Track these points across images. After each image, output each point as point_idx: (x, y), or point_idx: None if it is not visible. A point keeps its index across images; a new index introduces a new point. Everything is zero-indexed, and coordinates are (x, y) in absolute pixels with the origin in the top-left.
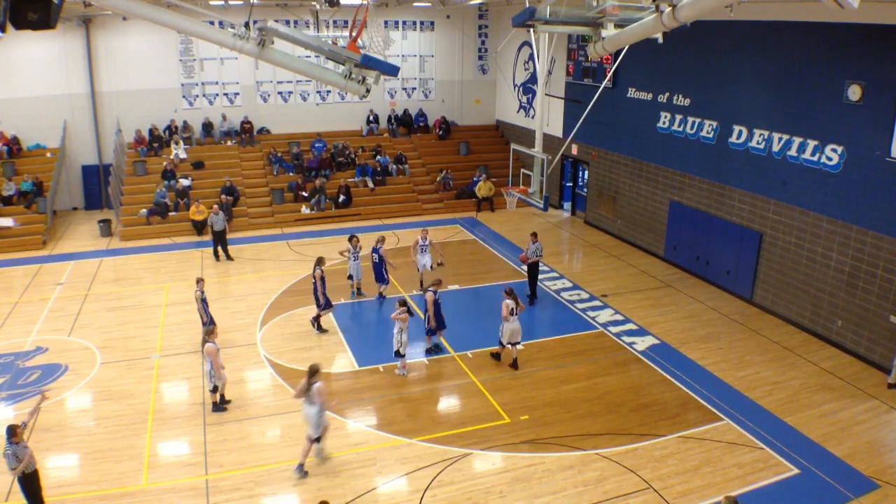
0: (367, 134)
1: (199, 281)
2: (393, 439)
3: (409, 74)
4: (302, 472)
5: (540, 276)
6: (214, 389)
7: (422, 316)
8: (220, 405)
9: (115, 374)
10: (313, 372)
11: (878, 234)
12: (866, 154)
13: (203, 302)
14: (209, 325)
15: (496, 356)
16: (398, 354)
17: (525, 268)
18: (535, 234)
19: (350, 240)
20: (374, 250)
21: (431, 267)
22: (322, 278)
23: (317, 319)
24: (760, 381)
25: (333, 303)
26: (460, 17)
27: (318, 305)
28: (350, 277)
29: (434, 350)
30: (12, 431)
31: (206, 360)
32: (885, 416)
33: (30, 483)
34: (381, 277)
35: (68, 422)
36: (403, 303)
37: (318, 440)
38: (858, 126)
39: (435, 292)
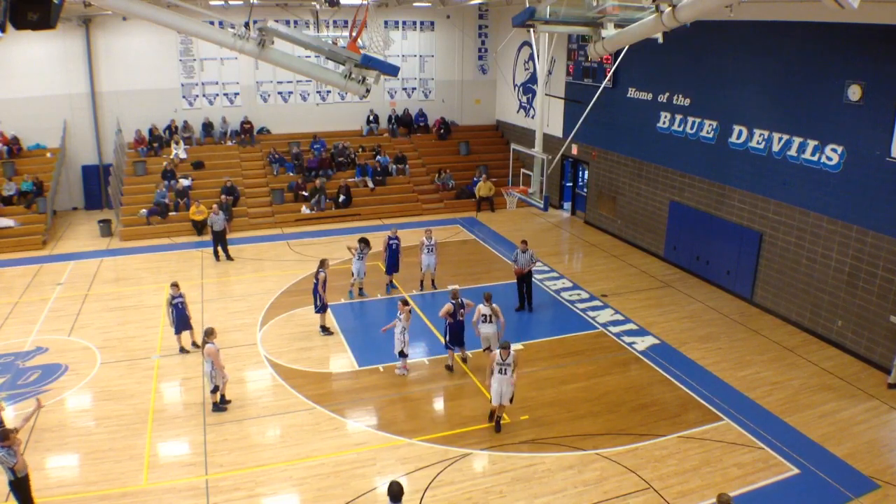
0: (367, 134)
1: (174, 285)
2: (393, 439)
3: (409, 74)
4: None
5: (540, 277)
6: (215, 390)
7: (424, 319)
8: (221, 405)
9: (114, 374)
10: (488, 297)
11: (878, 234)
12: (866, 154)
13: (175, 307)
14: (177, 331)
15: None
16: (402, 354)
17: (538, 269)
18: (525, 242)
19: (360, 241)
20: (394, 239)
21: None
22: (324, 281)
23: (322, 323)
24: (760, 381)
25: (329, 303)
26: (460, 17)
27: (316, 307)
28: (352, 275)
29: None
30: (4, 435)
31: (207, 361)
32: (885, 416)
33: (20, 487)
34: (394, 267)
35: (68, 422)
36: (406, 302)
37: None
38: (858, 126)
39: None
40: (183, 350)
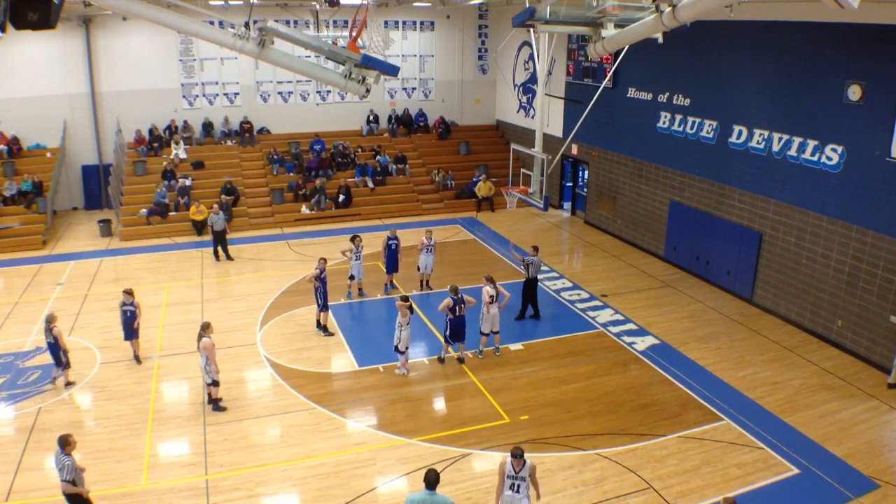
0: (367, 134)
1: (125, 293)
2: (393, 439)
3: (409, 74)
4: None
5: (540, 276)
6: (214, 384)
7: (424, 319)
8: (218, 404)
9: (115, 374)
10: (490, 279)
11: (878, 234)
12: (866, 154)
13: (123, 313)
14: (127, 338)
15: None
16: (396, 350)
17: (522, 268)
18: (535, 248)
19: (353, 240)
20: (393, 239)
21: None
22: (321, 278)
23: (320, 323)
24: (760, 381)
25: (330, 303)
26: (460, 17)
27: (318, 306)
28: (352, 278)
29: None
30: (65, 441)
31: (203, 355)
32: (885, 416)
33: (79, 501)
34: (394, 267)
35: (68, 422)
36: (406, 299)
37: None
38: (858, 126)
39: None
40: (137, 359)
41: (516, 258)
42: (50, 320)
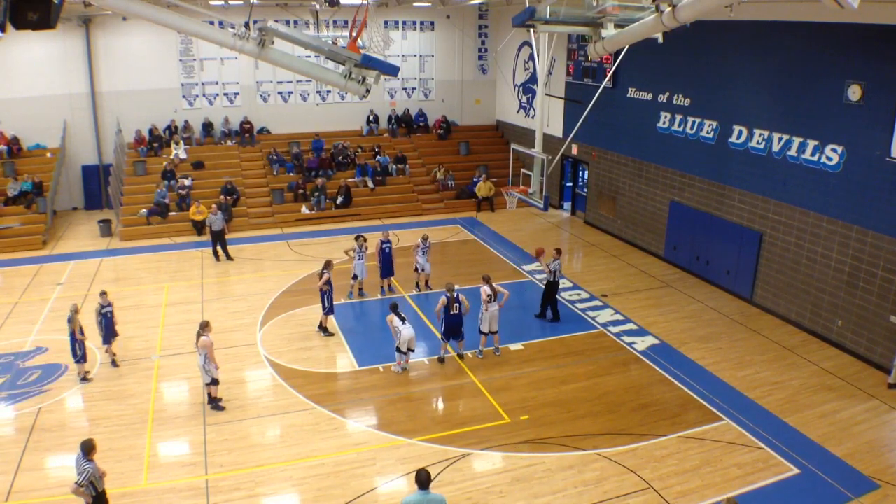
0: (367, 134)
1: (102, 295)
2: (393, 439)
3: (409, 74)
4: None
5: (541, 277)
6: (213, 382)
7: (423, 318)
8: (217, 403)
9: (115, 374)
10: (487, 279)
11: (878, 234)
12: (866, 154)
13: (103, 316)
14: (106, 342)
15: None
16: (398, 350)
17: (538, 269)
18: (558, 251)
19: (357, 239)
20: (386, 243)
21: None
22: (329, 282)
23: (321, 324)
24: (760, 381)
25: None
26: (460, 17)
27: (324, 309)
28: (355, 277)
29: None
30: (88, 448)
31: (201, 353)
32: (885, 416)
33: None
34: (388, 271)
35: (68, 422)
36: (395, 307)
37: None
38: (858, 126)
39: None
40: (114, 363)
41: (543, 264)
42: (72, 311)
